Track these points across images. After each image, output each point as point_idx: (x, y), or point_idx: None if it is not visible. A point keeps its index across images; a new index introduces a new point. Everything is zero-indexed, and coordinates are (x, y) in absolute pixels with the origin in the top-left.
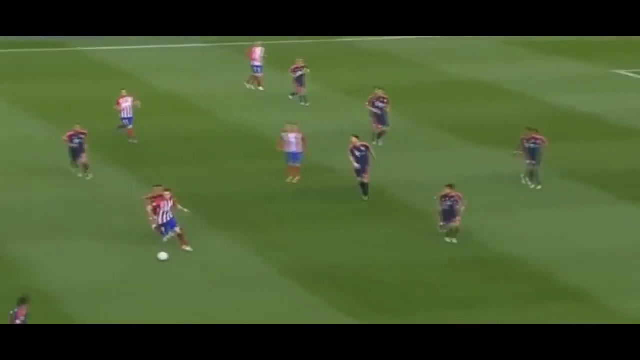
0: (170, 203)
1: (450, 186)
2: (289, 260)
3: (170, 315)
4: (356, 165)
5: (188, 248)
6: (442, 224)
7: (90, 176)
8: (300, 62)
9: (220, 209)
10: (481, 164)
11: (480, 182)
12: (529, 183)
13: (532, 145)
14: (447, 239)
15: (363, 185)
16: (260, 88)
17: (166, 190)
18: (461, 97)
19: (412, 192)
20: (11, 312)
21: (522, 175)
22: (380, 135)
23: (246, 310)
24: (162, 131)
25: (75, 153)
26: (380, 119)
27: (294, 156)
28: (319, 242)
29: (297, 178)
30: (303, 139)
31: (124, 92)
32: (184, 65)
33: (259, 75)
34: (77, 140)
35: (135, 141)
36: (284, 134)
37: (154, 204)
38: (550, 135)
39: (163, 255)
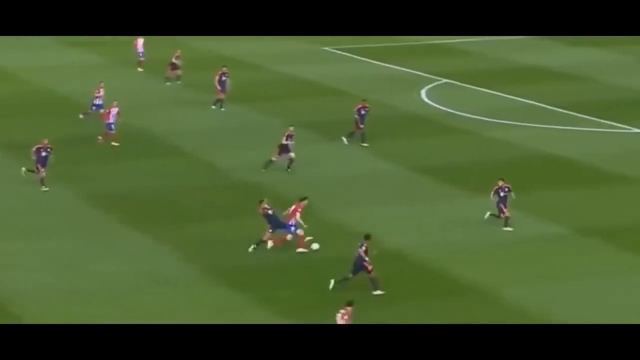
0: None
1: None
2: (210, 258)
3: (95, 315)
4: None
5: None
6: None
7: (46, 189)
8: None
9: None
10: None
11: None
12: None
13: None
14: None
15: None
16: (140, 69)
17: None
18: None
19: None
20: None
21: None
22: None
23: (172, 308)
24: None
25: (41, 163)
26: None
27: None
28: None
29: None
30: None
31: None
32: None
33: (142, 59)
34: (44, 154)
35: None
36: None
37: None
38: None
39: (315, 246)
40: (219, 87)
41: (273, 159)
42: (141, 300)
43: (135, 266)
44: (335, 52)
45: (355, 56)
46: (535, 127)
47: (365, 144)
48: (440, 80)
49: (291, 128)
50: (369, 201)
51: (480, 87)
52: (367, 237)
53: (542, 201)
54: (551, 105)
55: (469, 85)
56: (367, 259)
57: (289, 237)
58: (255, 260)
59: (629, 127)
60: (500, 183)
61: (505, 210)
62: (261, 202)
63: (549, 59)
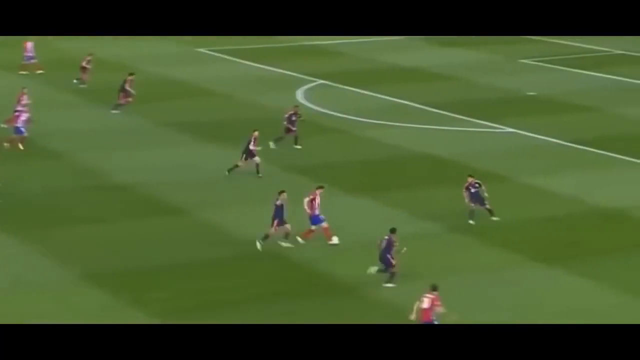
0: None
1: None
2: (83, 261)
3: None
4: None
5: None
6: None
7: None
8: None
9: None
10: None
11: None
12: None
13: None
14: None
15: None
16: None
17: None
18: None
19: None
20: None
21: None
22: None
23: (47, 311)
24: None
25: None
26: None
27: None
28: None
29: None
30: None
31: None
32: None
33: (32, 62)
34: None
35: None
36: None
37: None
38: None
39: (335, 239)
40: (123, 93)
41: (239, 164)
42: (10, 304)
43: (3, 269)
44: (210, 54)
45: (230, 57)
46: (408, 126)
47: (298, 146)
48: (316, 81)
49: (256, 133)
50: (244, 201)
51: (355, 88)
52: (393, 230)
53: (416, 199)
54: (424, 105)
55: (343, 86)
56: (392, 252)
57: (314, 227)
58: (130, 262)
59: (500, 126)
60: (470, 180)
61: (485, 203)
62: (282, 192)
63: (421, 59)
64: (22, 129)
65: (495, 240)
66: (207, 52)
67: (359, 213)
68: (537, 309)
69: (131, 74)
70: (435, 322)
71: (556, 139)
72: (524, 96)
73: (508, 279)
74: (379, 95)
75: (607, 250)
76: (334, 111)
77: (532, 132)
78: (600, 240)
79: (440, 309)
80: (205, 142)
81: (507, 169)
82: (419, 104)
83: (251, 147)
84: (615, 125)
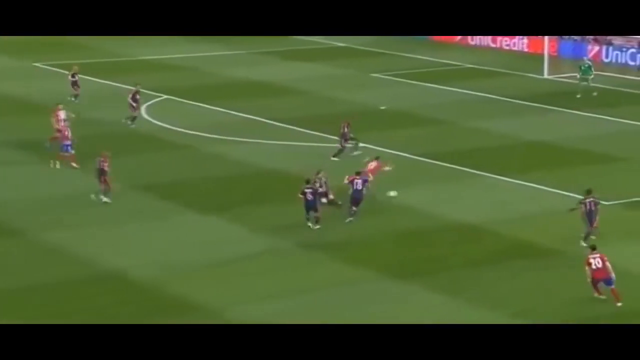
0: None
1: None
2: None
3: None
4: None
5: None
6: None
7: None
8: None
9: None
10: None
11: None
12: None
13: None
14: None
15: None
16: None
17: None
18: None
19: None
20: None
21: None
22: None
23: None
24: None
25: None
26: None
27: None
28: None
29: None
30: None
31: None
32: None
33: None
34: None
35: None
36: None
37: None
38: None
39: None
40: (134, 104)
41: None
42: None
43: None
44: (46, 68)
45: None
46: (256, 142)
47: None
48: (160, 96)
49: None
50: (90, 221)
51: (200, 103)
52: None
53: (264, 216)
54: (273, 120)
55: (188, 101)
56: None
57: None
58: None
59: (352, 141)
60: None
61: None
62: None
63: (267, 74)
64: (69, 146)
65: (348, 256)
66: (43, 66)
67: (205, 231)
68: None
69: None
70: None
71: (408, 153)
72: (375, 110)
73: (361, 296)
74: (226, 111)
75: (462, 265)
76: (180, 127)
77: (383, 147)
78: (455, 255)
79: None
80: (37, 160)
81: None
82: (268, 119)
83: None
84: (467, 139)
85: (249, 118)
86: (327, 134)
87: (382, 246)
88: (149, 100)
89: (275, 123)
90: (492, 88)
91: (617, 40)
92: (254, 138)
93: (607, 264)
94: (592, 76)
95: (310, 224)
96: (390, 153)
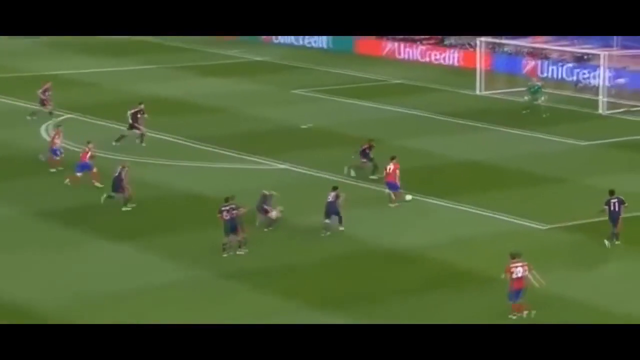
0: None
1: None
2: None
3: None
4: None
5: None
6: None
7: None
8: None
9: None
10: None
11: None
12: None
13: None
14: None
15: None
16: None
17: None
18: None
19: None
20: None
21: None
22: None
23: None
24: None
25: None
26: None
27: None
28: None
29: None
30: None
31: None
32: None
33: None
34: None
35: None
36: None
37: None
38: None
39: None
40: (136, 124)
41: None
42: None
43: None
44: None
45: None
46: (172, 164)
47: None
48: (63, 114)
49: None
50: None
51: (110, 122)
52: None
53: (180, 244)
54: (189, 140)
55: (97, 120)
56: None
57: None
58: None
59: (273, 162)
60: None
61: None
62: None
63: (183, 90)
64: (89, 164)
65: (267, 285)
66: None
67: (116, 261)
68: None
69: None
70: None
71: (333, 174)
72: (296, 129)
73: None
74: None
75: (395, 291)
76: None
77: (306, 167)
78: (384, 281)
79: None
80: None
81: (283, 203)
82: (185, 138)
83: None
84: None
85: (164, 138)
86: (247, 154)
87: (303, 274)
88: (50, 119)
89: (191, 143)
90: (422, 105)
91: (554, 54)
92: (170, 160)
93: (529, 274)
94: (543, 97)
95: (225, 253)
96: (313, 175)
